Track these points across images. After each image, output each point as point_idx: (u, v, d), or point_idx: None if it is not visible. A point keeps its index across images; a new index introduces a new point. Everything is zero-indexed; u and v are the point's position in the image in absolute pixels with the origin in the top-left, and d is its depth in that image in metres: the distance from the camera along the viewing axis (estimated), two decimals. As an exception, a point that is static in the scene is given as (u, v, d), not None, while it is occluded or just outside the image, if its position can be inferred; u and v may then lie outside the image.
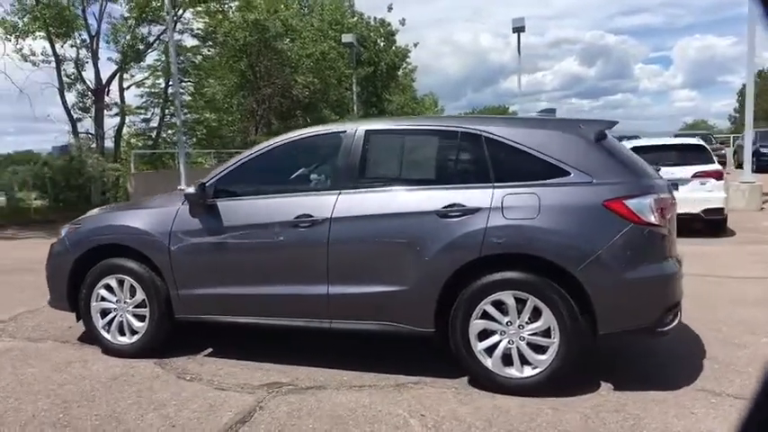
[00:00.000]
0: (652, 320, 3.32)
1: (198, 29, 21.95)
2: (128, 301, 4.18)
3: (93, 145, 20.00)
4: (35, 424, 3.19)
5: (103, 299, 4.23)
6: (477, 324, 3.47)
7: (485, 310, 3.45)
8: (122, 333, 4.22)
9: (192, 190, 3.89)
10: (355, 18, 33.79)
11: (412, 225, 3.54)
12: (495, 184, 3.49)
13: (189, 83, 24.73)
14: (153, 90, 23.45)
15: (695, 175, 9.35)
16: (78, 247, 4.26)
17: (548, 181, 3.44)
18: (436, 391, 3.55)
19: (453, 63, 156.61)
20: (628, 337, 3.45)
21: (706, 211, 9.14)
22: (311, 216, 3.71)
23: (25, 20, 18.77)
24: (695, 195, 9.28)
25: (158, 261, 4.03)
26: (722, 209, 9.26)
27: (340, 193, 3.72)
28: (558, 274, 3.32)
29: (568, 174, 3.43)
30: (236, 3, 23.00)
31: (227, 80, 26.62)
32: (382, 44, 35.48)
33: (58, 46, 19.49)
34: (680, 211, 9.19)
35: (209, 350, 4.34)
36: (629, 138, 12.78)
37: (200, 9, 20.27)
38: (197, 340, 4.42)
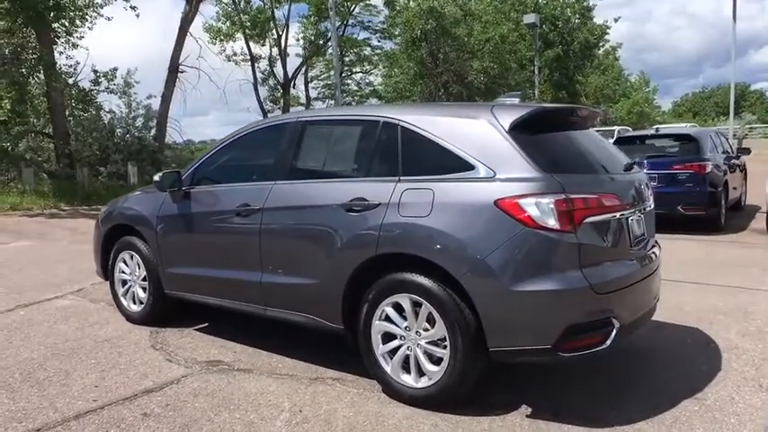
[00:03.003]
0: (551, 341, 2.81)
1: (368, 21, 23.01)
2: (137, 274, 4.77)
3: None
4: (14, 367, 3.87)
5: (122, 271, 4.88)
6: (378, 326, 3.28)
7: (386, 313, 3.25)
8: (134, 302, 4.83)
9: (157, 178, 4.28)
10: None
11: (323, 218, 3.46)
12: (402, 178, 3.23)
13: (358, 73, 26.06)
14: (327, 82, 25.27)
15: None
16: (105, 225, 4.98)
17: (449, 176, 3.08)
18: (343, 389, 3.45)
19: (689, 37, 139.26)
20: (525, 356, 2.94)
21: None
22: (249, 205, 3.84)
23: (227, 24, 21.79)
24: None
25: (150, 241, 4.52)
26: None
27: (275, 184, 3.78)
28: (451, 279, 2.99)
29: (473, 168, 3.03)
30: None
31: (407, 68, 27.43)
32: (576, 21, 33.20)
33: (254, 46, 22.12)
34: None
35: (204, 325, 4.73)
36: None
37: (368, 3, 21.21)
38: (201, 315, 4.83)
